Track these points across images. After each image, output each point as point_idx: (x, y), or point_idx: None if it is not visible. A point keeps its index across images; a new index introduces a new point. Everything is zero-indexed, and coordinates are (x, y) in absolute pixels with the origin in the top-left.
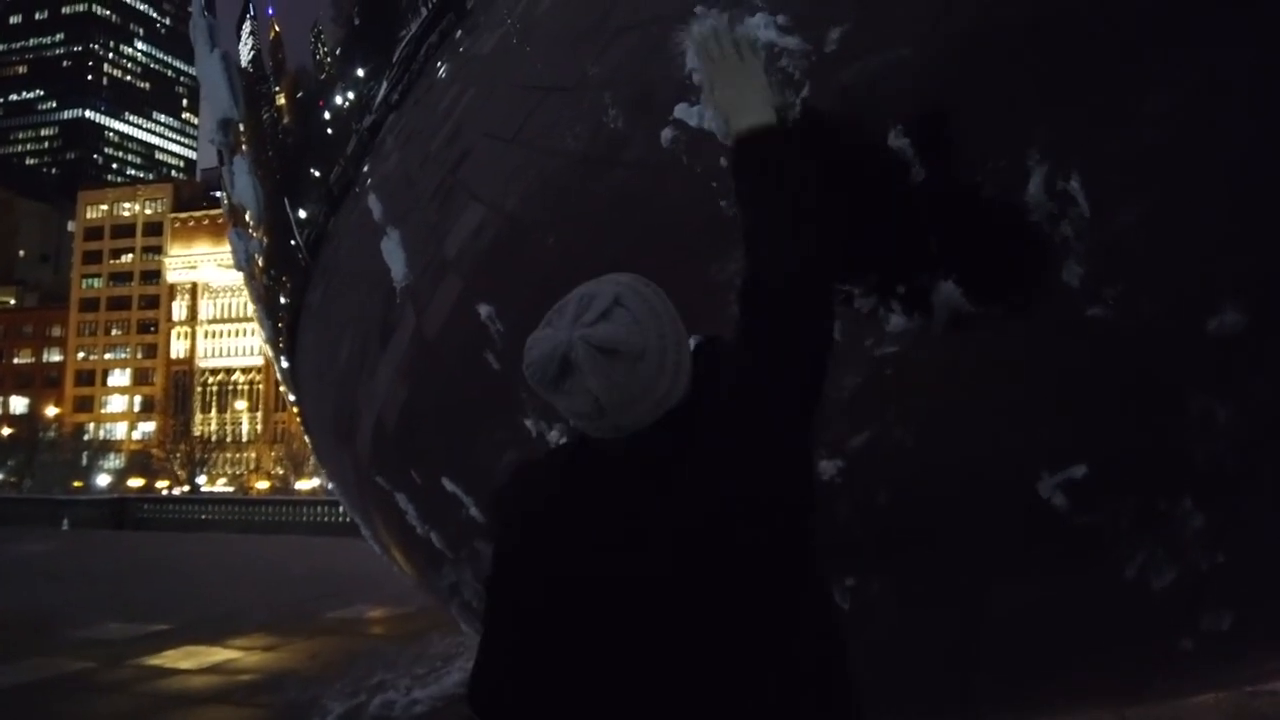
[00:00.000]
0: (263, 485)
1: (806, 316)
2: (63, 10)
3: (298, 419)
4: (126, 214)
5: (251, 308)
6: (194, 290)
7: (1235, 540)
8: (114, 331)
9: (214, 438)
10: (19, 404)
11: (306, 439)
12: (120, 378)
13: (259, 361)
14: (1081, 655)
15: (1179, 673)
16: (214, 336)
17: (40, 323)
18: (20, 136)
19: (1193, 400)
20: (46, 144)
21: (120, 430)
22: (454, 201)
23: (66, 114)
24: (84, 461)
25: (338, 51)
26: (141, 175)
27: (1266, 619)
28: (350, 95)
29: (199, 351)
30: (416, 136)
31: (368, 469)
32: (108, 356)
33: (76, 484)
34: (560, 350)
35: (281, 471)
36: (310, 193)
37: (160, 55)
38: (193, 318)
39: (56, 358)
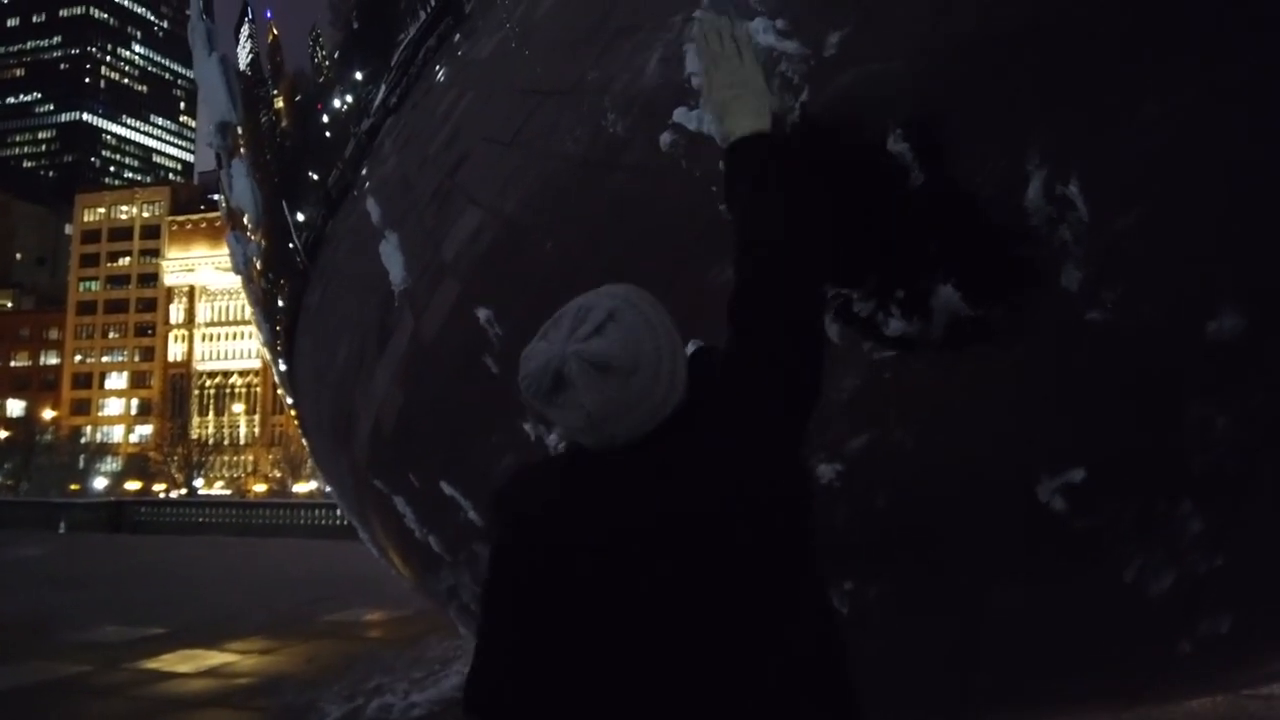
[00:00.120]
0: (260, 488)
1: (801, 322)
2: (60, 13)
3: (295, 422)
4: (124, 217)
5: (250, 311)
6: (191, 293)
7: (1234, 543)
8: (111, 334)
9: (211, 441)
10: (16, 407)
11: (304, 442)
12: (117, 381)
13: (256, 364)
14: (1080, 658)
15: (1177, 676)
16: (211, 339)
17: (37, 325)
18: (18, 139)
19: (1191, 404)
20: (44, 147)
21: (117, 433)
22: (452, 205)
23: (64, 117)
24: (81, 464)
25: (336, 55)
26: (139, 178)
27: (1264, 622)
28: (348, 99)
29: (196, 354)
30: (415, 140)
31: (366, 472)
32: (105, 359)
33: (73, 487)
34: (554, 364)
35: (279, 474)
36: (308, 196)
37: (158, 58)
38: (190, 321)
39: (53, 361)
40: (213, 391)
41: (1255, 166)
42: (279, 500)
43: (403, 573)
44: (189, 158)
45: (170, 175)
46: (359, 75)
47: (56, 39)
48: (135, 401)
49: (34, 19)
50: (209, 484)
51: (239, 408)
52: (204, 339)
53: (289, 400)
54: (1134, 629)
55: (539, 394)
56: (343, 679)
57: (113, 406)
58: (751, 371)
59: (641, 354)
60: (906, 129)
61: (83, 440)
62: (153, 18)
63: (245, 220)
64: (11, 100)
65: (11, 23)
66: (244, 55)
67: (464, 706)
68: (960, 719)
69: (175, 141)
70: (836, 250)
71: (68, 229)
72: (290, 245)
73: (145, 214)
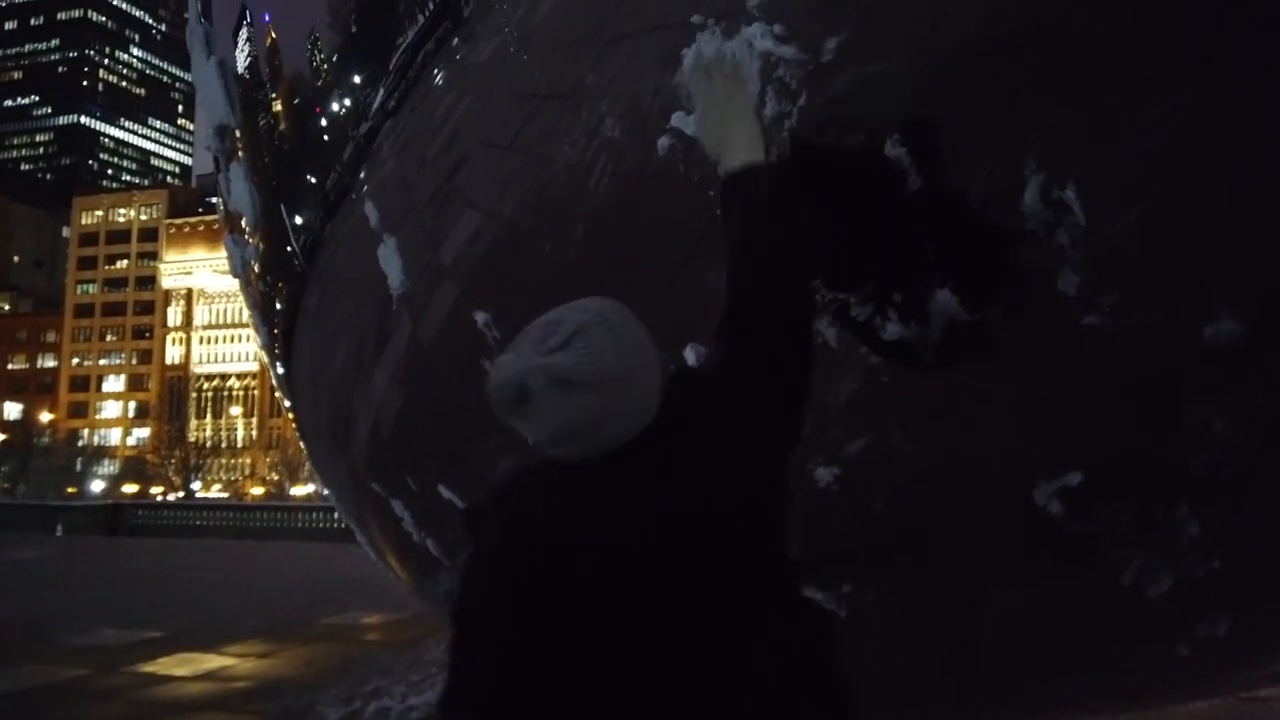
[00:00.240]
0: (258, 491)
1: (787, 347)
2: (59, 16)
3: (293, 425)
4: (122, 220)
5: (248, 314)
6: (189, 296)
7: (1231, 546)
8: (109, 337)
9: (209, 443)
10: (13, 410)
11: (302, 445)
12: (115, 383)
13: (254, 367)
14: (1078, 661)
15: (1175, 678)
16: (209, 342)
17: (35, 328)
18: (15, 142)
19: (1189, 407)
20: (42, 149)
21: (115, 436)
22: (450, 208)
23: (62, 120)
24: (78, 467)
25: (334, 58)
26: (137, 181)
27: (1262, 625)
28: (347, 102)
29: (194, 357)
30: (413, 143)
31: (363, 475)
32: (102, 362)
33: (71, 490)
34: (518, 378)
35: (276, 477)
36: (306, 199)
37: (156, 61)
38: (188, 323)
39: (51, 363)
40: (210, 394)
41: (1254, 168)
42: (276, 503)
43: (400, 576)
44: (187, 161)
45: (168, 178)
46: (357, 79)
47: (54, 42)
48: (133, 404)
49: (32, 22)
50: (206, 487)
51: (237, 410)
52: (202, 342)
53: (287, 403)
54: (1132, 631)
55: (504, 406)
56: (340, 682)
57: (110, 409)
58: (732, 396)
59: (607, 371)
60: (904, 133)
61: (80, 443)
62: (151, 21)
63: (243, 223)
64: (9, 103)
65: (9, 26)
66: (242, 58)
67: (447, 709)
68: None
69: (173, 144)
70: (834, 254)
71: (65, 232)
72: (288, 248)
73: (143, 217)
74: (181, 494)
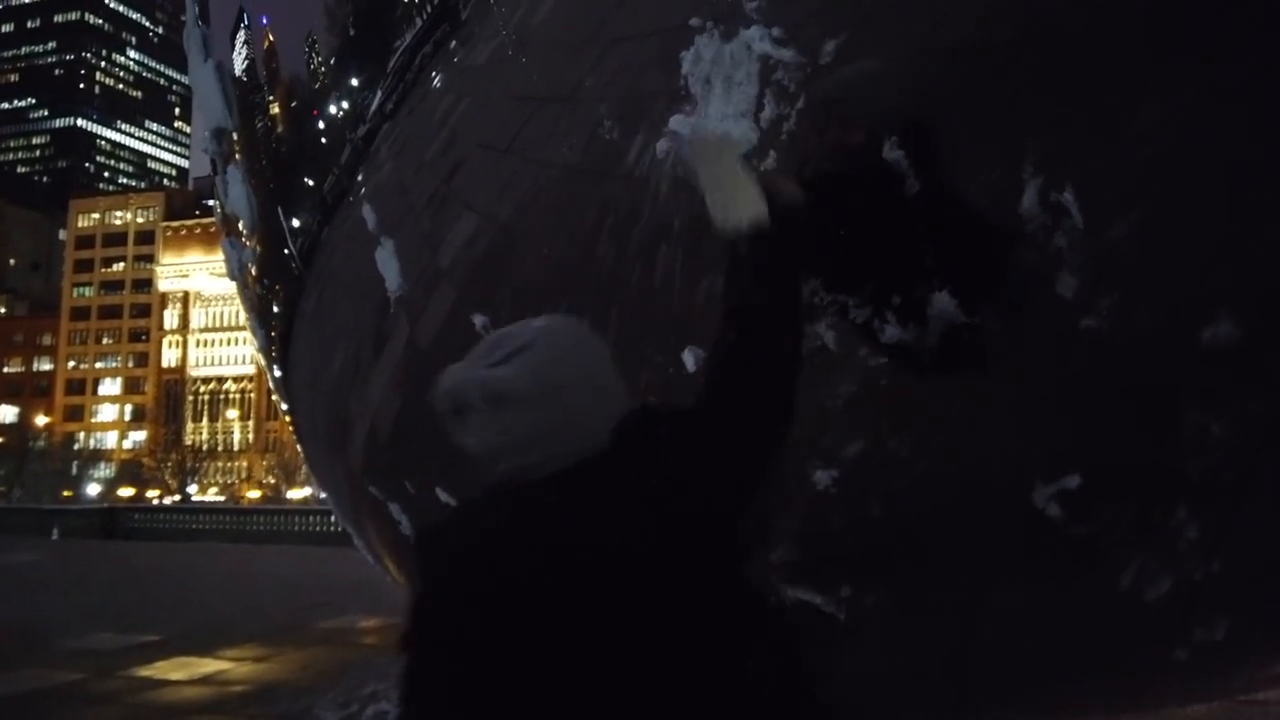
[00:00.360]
0: (254, 495)
1: (776, 379)
2: (55, 19)
3: (290, 428)
4: (118, 222)
5: (245, 317)
6: (186, 299)
7: (1230, 549)
8: (105, 340)
9: (205, 447)
10: (9, 413)
11: (299, 448)
12: (111, 386)
13: (251, 370)
14: (1076, 664)
15: (1173, 681)
16: (206, 345)
17: (31, 331)
18: (12, 145)
19: (1187, 410)
20: (38, 152)
21: (111, 439)
22: (448, 211)
23: (58, 122)
24: (74, 471)
25: (332, 61)
26: (133, 184)
27: (1261, 628)
28: (344, 105)
29: (190, 360)
30: (411, 146)
31: (361, 478)
32: (98, 365)
33: (66, 493)
34: (454, 389)
35: (273, 481)
36: (304, 202)
37: (153, 64)
38: (184, 326)
39: (47, 366)
40: (207, 397)
41: (1254, 169)
42: (273, 507)
43: (398, 579)
44: (183, 163)
45: (165, 181)
46: (355, 81)
47: (51, 44)
48: (129, 407)
49: (29, 24)
50: (203, 490)
51: (233, 414)
52: (198, 345)
53: (284, 406)
54: (1130, 634)
55: (445, 416)
56: (338, 686)
57: (106, 412)
58: (701, 433)
59: (544, 389)
60: (902, 136)
61: (76, 446)
62: (148, 24)
63: (241, 226)
64: (6, 106)
65: (5, 28)
66: (240, 61)
67: None
68: None
69: (170, 147)
70: (833, 256)
71: (62, 234)
72: (285, 251)
73: (139, 219)
74: (178, 497)
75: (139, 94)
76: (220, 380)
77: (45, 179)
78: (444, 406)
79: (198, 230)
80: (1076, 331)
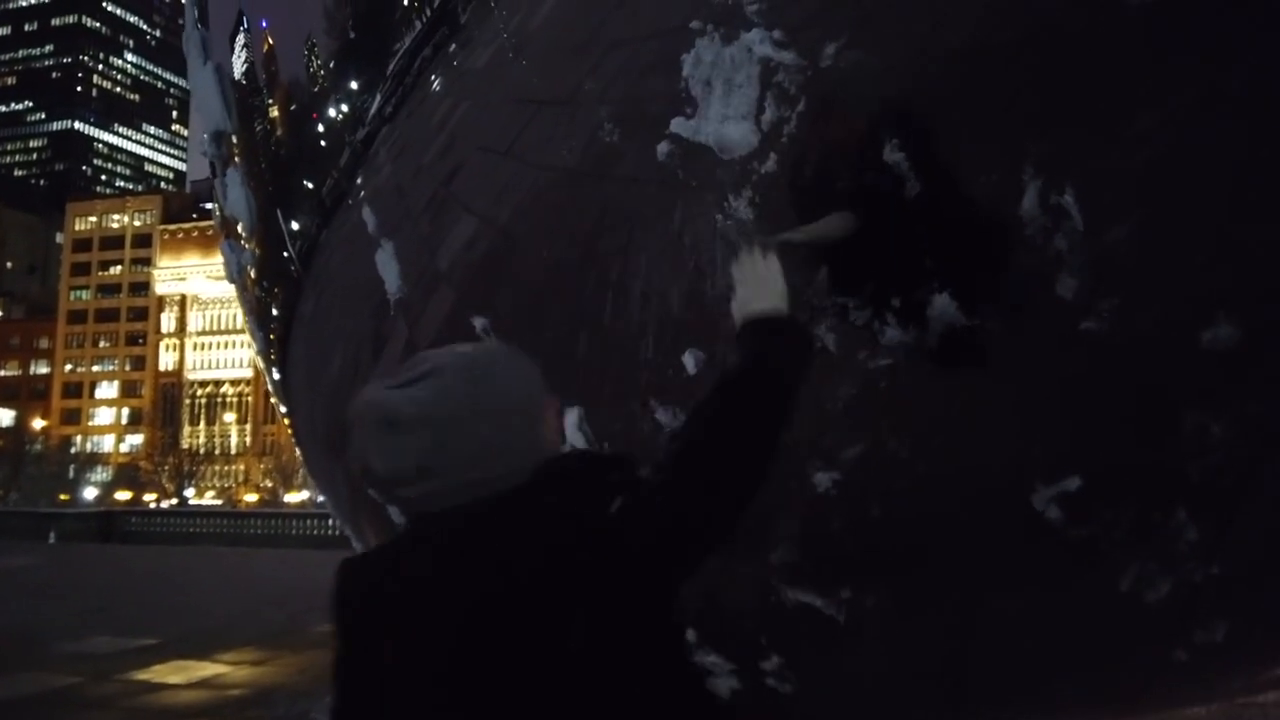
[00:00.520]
0: (251, 498)
1: (734, 492)
2: (52, 22)
3: (288, 431)
4: (115, 226)
5: (244, 319)
6: (183, 302)
7: (1229, 552)
8: (102, 343)
9: (202, 450)
10: (5, 416)
11: (297, 451)
12: (108, 390)
13: (248, 374)
14: (1075, 666)
15: (1173, 683)
16: (203, 348)
17: (27, 334)
18: (9, 148)
19: (1187, 412)
20: (35, 155)
21: (108, 443)
22: (447, 214)
23: (55, 125)
24: (71, 474)
25: (331, 64)
26: (130, 187)
27: (1260, 630)
28: (344, 108)
29: (188, 363)
30: (410, 149)
31: (359, 481)
32: (95, 369)
33: (63, 497)
34: (356, 408)
35: (271, 484)
36: (303, 205)
37: (150, 67)
38: (181, 330)
39: (44, 370)
40: (204, 401)
41: (1254, 170)
42: (271, 510)
43: None
44: (181, 166)
45: (162, 184)
46: (354, 84)
47: (48, 47)
48: (126, 411)
49: (26, 27)
50: (200, 494)
51: (230, 417)
52: (195, 348)
53: (282, 409)
54: (1130, 635)
55: (350, 436)
56: None
57: (103, 416)
58: (655, 492)
59: (437, 420)
60: (902, 138)
61: (73, 450)
62: (145, 27)
63: (240, 228)
64: (3, 109)
65: (3, 31)
66: (239, 64)
67: None
68: None
69: (167, 150)
70: (833, 257)
71: (59, 237)
72: (284, 254)
73: (137, 223)
74: (175, 501)
75: (136, 97)
76: (217, 384)
77: (42, 182)
78: (346, 427)
79: (195, 233)
80: (1076, 333)
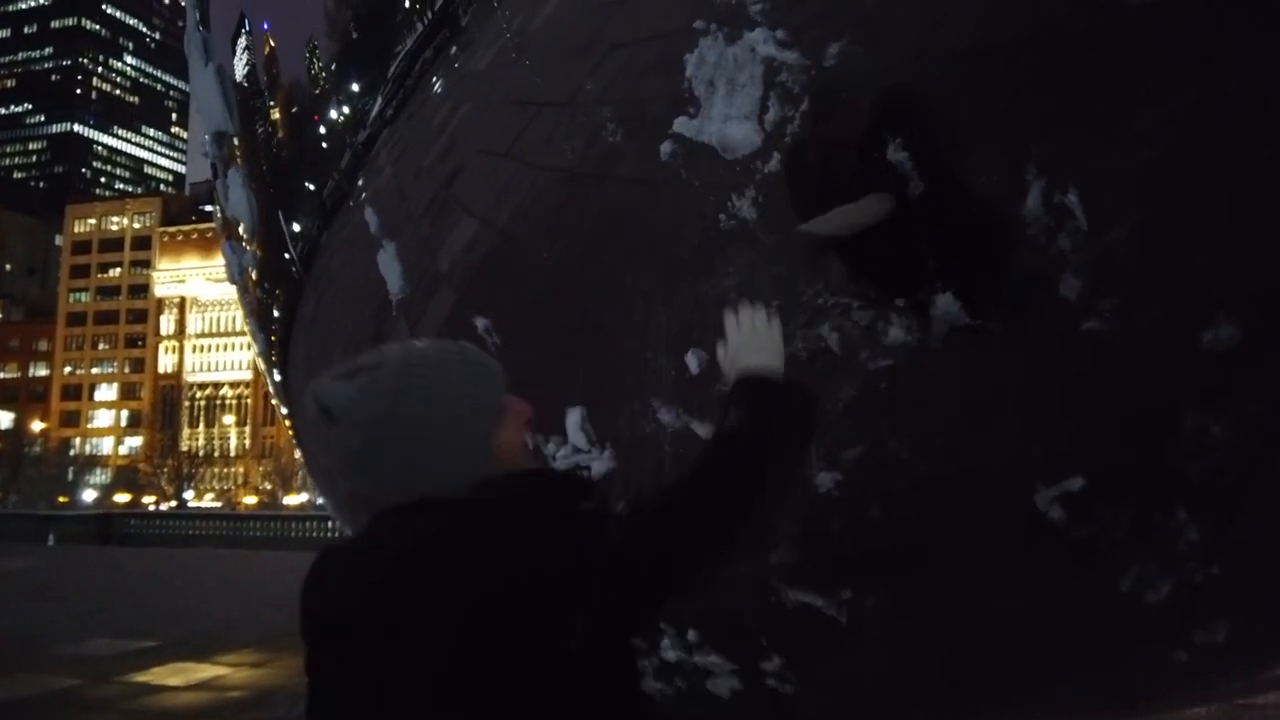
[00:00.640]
0: (251, 500)
1: (715, 543)
2: (52, 24)
3: (289, 432)
4: (114, 228)
5: (244, 321)
6: (182, 304)
7: (1230, 552)
8: (101, 346)
9: (202, 452)
10: (4, 419)
11: (297, 453)
12: (107, 392)
13: (247, 376)
14: (1076, 667)
15: (1173, 683)
16: (202, 351)
17: (26, 337)
18: (8, 150)
19: (1188, 413)
20: (34, 157)
21: (107, 445)
22: (447, 215)
23: (55, 128)
24: (70, 476)
25: (332, 66)
26: (130, 189)
27: (1260, 630)
28: (345, 110)
29: (187, 366)
30: (410, 151)
31: None
32: (94, 371)
33: (62, 499)
34: (308, 392)
35: (270, 487)
36: (304, 206)
37: (149, 70)
38: (181, 332)
39: (43, 372)
40: (203, 403)
41: (1251, 176)
42: (270, 512)
43: None
44: (180, 169)
45: (161, 186)
46: (355, 86)
47: (48, 50)
48: (125, 413)
49: (25, 30)
50: (199, 496)
51: (229, 419)
52: (195, 350)
53: (284, 411)
54: (1130, 636)
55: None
56: None
57: (102, 418)
58: (631, 530)
59: (365, 416)
60: (905, 138)
61: (72, 452)
62: (145, 29)
63: (241, 230)
64: (2, 111)
65: (2, 34)
66: (241, 66)
67: None
68: None
69: (166, 153)
70: (838, 257)
71: (58, 240)
72: (286, 255)
73: (136, 225)
74: (174, 503)
75: (136, 99)
76: (217, 386)
77: (42, 184)
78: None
79: (194, 236)
80: (1078, 333)
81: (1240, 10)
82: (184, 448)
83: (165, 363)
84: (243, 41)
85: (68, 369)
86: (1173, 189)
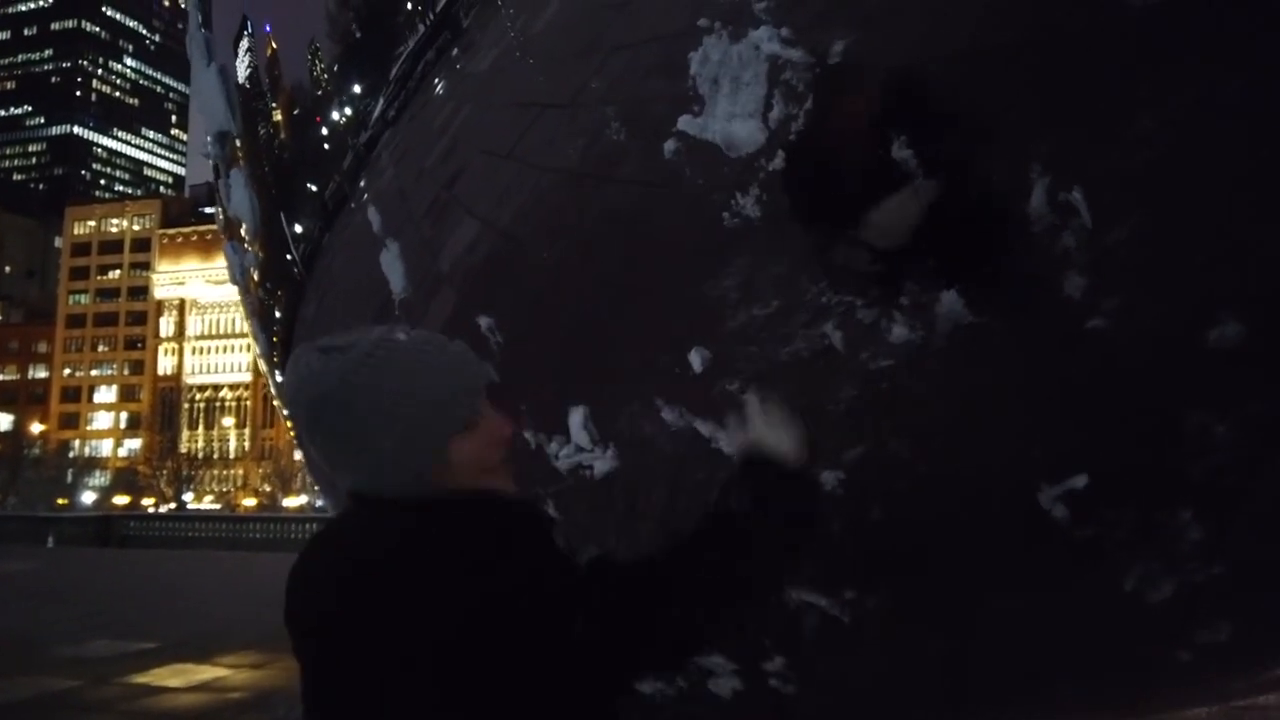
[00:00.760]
0: (250, 502)
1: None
2: (52, 26)
3: (290, 434)
4: (114, 230)
5: (245, 322)
6: (181, 306)
7: (1233, 552)
8: (100, 348)
9: (201, 454)
10: (3, 420)
11: (297, 455)
12: (106, 394)
13: (247, 378)
14: (1077, 667)
15: (1175, 685)
16: (201, 353)
17: (26, 339)
18: (8, 152)
19: (1192, 412)
20: (34, 159)
21: (106, 447)
22: (449, 217)
23: (55, 130)
24: (69, 478)
25: (335, 68)
26: (129, 191)
27: (1263, 630)
28: (347, 111)
29: (186, 368)
30: (412, 152)
31: None
32: (94, 373)
33: (62, 501)
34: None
35: (269, 488)
36: (306, 207)
37: (149, 71)
38: (180, 334)
39: (42, 374)
40: (203, 405)
41: (1254, 175)
42: (269, 514)
43: None
44: (180, 171)
45: (161, 188)
46: (357, 88)
47: (48, 52)
48: (124, 415)
49: (25, 32)
50: (198, 498)
51: (229, 421)
52: (194, 352)
53: (284, 412)
54: (1133, 637)
55: None
56: None
57: (101, 420)
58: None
59: (316, 390)
60: (910, 137)
61: (71, 454)
62: (144, 31)
63: (242, 230)
64: (2, 113)
65: (2, 36)
66: (243, 68)
67: None
68: None
69: (166, 155)
70: (841, 256)
71: (57, 242)
72: (288, 256)
73: (135, 227)
74: (173, 505)
75: (135, 101)
76: (216, 388)
77: (41, 186)
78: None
79: (194, 238)
80: (1082, 331)
81: (1240, 10)
82: (183, 450)
83: (165, 365)
84: (245, 43)
85: (67, 371)
86: (1173, 189)
